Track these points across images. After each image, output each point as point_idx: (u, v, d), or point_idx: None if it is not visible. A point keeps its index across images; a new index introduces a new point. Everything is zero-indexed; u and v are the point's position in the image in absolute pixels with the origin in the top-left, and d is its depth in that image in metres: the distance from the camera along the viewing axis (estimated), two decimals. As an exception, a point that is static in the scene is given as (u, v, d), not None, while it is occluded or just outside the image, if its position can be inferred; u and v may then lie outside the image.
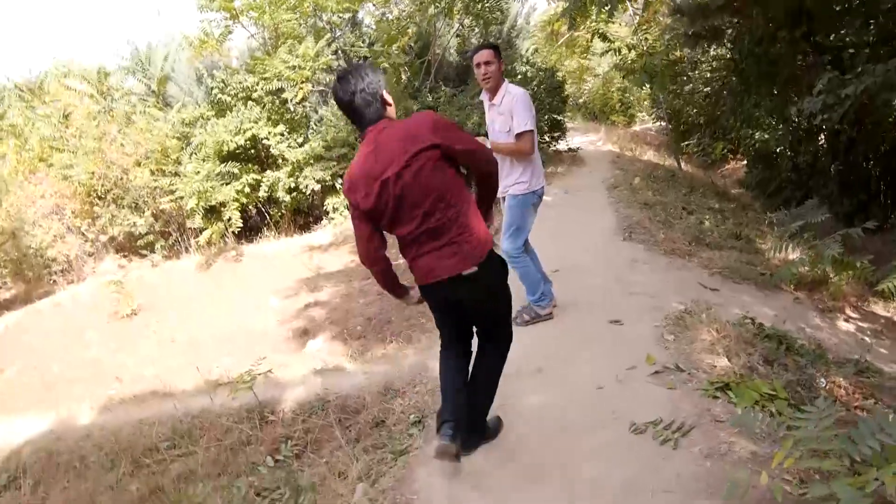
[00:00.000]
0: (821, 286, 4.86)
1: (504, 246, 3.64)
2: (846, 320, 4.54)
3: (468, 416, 2.27)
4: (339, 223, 10.09)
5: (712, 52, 10.15)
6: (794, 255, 5.35)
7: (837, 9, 6.70)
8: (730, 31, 6.78)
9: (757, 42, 6.80)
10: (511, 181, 3.61)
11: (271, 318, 6.06)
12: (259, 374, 3.56)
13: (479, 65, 3.43)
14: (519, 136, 3.46)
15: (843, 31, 6.32)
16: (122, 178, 10.72)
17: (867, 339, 4.26)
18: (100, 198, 11.01)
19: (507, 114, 3.47)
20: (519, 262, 3.66)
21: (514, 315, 3.79)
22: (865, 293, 5.00)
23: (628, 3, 10.75)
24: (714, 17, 6.10)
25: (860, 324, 4.55)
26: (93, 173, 10.63)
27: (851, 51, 6.27)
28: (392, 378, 3.39)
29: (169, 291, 8.60)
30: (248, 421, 3.44)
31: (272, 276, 8.21)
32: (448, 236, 2.05)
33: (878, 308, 4.92)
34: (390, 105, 2.10)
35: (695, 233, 5.54)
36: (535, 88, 9.61)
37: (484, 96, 3.67)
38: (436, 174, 2.00)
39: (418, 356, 3.73)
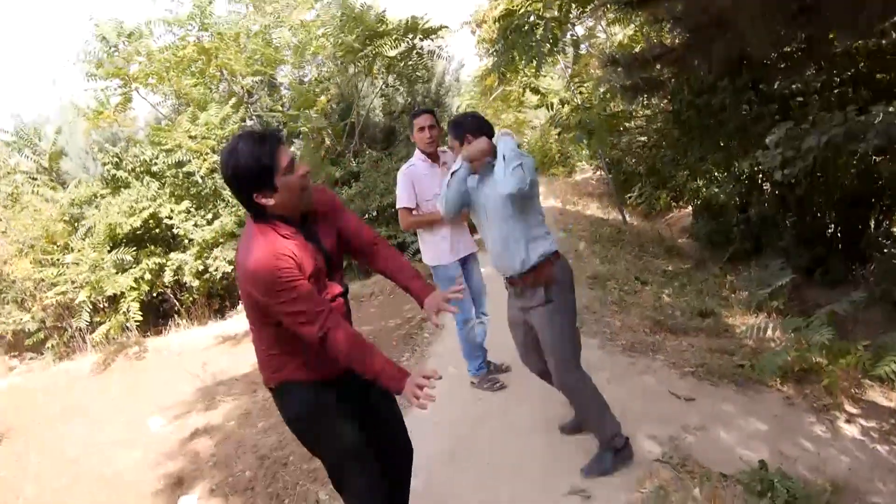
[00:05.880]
0: (810, 376, 4.06)
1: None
2: (848, 421, 3.73)
3: None
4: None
5: (646, 103, 9.80)
6: (769, 331, 4.61)
7: (774, 55, 6.28)
8: (671, 81, 6.22)
9: (697, 93, 6.27)
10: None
11: (145, 452, 4.80)
12: None
13: (423, 129, 3.43)
14: None
15: (789, 79, 5.84)
16: (4, 271, 9.30)
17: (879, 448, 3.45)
18: (-23, 293, 9.52)
19: None
20: None
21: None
22: (858, 376, 4.26)
23: (558, 57, 10.32)
24: (651, 68, 5.48)
25: (864, 422, 3.76)
26: (-32, 265, 9.21)
27: (800, 99, 5.78)
28: None
29: (49, 408, 7.16)
30: None
31: (171, 380, 6.93)
32: None
33: (877, 394, 4.17)
34: None
35: (654, 314, 4.71)
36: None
37: (422, 160, 3.52)
38: None
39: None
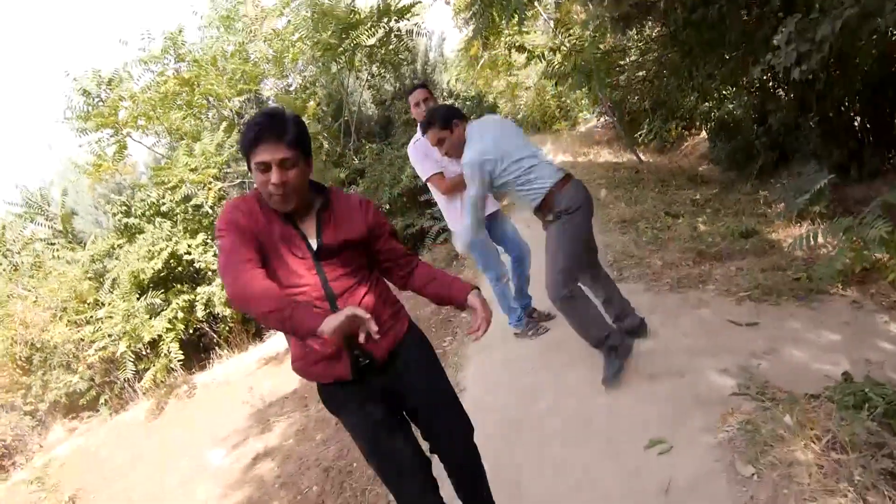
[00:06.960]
0: (873, 274, 3.82)
1: None
2: (921, 313, 3.51)
3: None
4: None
5: (636, 34, 9.39)
6: (819, 237, 4.35)
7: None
8: (661, 2, 5.89)
9: (691, 9, 5.94)
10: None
11: (212, 487, 4.78)
12: None
13: (418, 104, 3.50)
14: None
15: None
16: (43, 339, 9.43)
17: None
18: (23, 366, 9.68)
19: None
20: None
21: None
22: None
23: (538, 8, 9.98)
24: (638, -8, 5.20)
25: (937, 312, 3.52)
26: (12, 340, 9.36)
27: (802, -12, 5.41)
28: None
29: (112, 462, 7.24)
30: None
31: (223, 410, 6.94)
32: None
33: (944, 280, 3.91)
34: None
35: (694, 245, 4.49)
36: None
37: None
38: None
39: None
